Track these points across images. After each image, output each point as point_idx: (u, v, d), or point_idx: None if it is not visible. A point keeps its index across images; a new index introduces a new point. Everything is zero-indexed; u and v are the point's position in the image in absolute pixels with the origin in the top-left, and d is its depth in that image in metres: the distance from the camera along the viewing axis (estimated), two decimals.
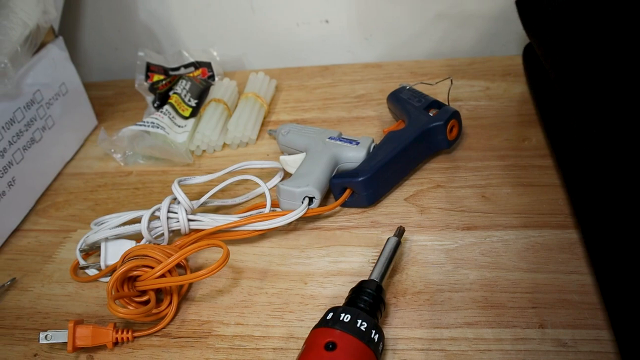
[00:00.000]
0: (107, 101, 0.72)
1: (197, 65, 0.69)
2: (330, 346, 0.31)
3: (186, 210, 0.45)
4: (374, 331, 0.33)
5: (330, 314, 0.34)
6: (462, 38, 0.71)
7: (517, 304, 0.38)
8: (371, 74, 0.68)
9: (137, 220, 0.45)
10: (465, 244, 0.43)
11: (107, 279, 0.44)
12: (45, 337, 0.38)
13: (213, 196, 0.48)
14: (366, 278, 0.38)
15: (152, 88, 0.66)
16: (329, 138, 0.51)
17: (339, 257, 0.44)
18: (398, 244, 0.40)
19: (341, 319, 0.33)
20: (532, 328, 0.36)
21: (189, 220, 0.45)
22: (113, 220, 0.46)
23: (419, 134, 0.49)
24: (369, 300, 0.35)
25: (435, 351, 0.36)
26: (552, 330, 0.36)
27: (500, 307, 0.38)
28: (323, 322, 0.33)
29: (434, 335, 0.36)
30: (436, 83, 0.58)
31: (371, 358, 0.32)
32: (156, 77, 0.68)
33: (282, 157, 0.51)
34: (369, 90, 0.65)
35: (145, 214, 0.45)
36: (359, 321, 0.33)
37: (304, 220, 0.47)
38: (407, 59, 0.71)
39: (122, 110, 0.70)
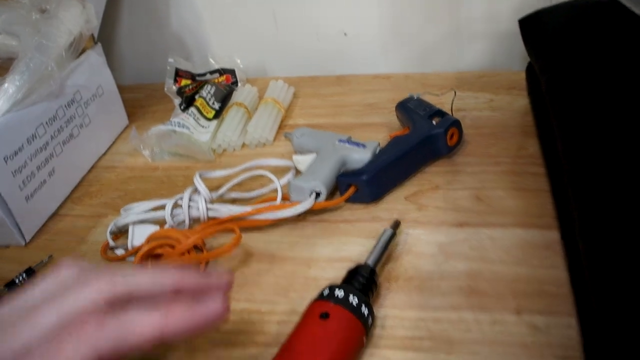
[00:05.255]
0: (139, 103, 0.78)
1: (221, 71, 0.74)
2: (324, 315, 0.36)
3: (205, 200, 0.50)
4: (364, 305, 0.37)
5: (327, 290, 0.38)
6: (472, 53, 0.75)
7: (498, 292, 0.42)
8: (383, 84, 0.73)
9: (161, 208, 0.51)
10: (456, 239, 0.47)
11: (133, 259, 0.50)
12: None
13: (231, 190, 0.53)
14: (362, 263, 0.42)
15: (180, 92, 0.72)
16: (339, 141, 0.56)
17: (341, 246, 0.48)
18: (393, 235, 0.45)
19: (335, 294, 0.37)
20: (510, 313, 0.40)
21: (208, 209, 0.50)
22: (140, 207, 0.51)
23: (421, 139, 0.54)
24: (362, 280, 0.40)
25: (420, 329, 0.40)
26: (528, 316, 0.39)
27: (482, 295, 0.42)
28: (320, 296, 0.38)
29: (420, 315, 0.41)
30: (442, 94, 0.62)
31: (359, 328, 0.36)
32: (184, 82, 0.73)
33: (294, 157, 0.56)
34: (380, 99, 0.70)
35: (169, 202, 0.50)
36: (351, 296, 0.37)
37: (311, 213, 0.51)
38: (419, 71, 0.76)
39: (152, 111, 0.75)
